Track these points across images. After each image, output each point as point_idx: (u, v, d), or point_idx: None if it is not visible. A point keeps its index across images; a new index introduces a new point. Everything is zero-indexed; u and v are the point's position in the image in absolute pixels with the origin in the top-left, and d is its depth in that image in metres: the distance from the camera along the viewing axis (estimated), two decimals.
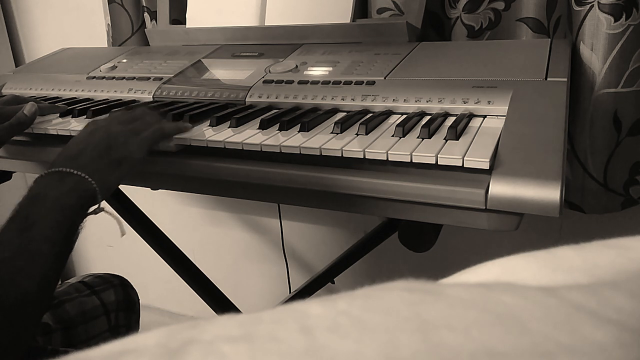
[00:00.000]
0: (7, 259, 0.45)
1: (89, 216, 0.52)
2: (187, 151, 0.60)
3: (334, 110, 0.66)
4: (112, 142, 0.54)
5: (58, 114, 0.73)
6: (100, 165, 0.52)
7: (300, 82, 0.72)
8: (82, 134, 0.56)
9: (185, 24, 0.98)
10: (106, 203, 0.55)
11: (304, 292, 1.06)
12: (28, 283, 0.45)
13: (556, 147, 0.47)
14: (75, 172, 0.50)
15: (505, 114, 0.56)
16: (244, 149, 0.56)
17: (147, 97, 0.79)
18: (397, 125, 0.55)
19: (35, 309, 0.46)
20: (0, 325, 0.43)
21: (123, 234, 0.60)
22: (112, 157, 0.53)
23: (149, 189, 1.03)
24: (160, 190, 1.13)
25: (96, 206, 0.52)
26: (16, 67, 1.39)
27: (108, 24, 1.12)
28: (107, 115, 0.61)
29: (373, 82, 0.68)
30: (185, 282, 1.04)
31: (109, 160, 0.53)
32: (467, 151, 0.48)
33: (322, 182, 0.52)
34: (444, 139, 0.52)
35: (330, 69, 0.74)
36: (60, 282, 0.81)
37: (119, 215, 0.56)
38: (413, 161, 0.49)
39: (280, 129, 0.59)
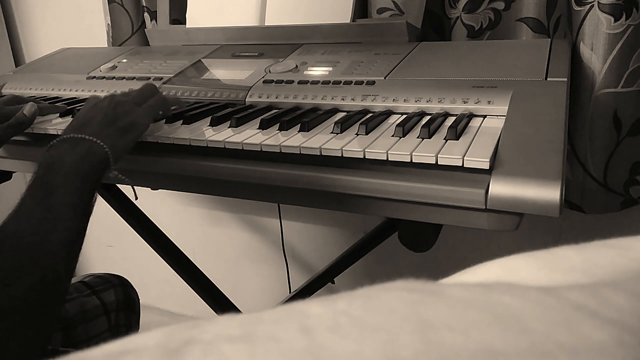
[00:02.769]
0: (34, 226, 0.46)
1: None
2: (187, 151, 0.60)
3: (334, 110, 0.66)
4: (118, 110, 0.56)
5: (58, 114, 0.73)
6: (109, 131, 0.54)
7: (300, 82, 0.72)
8: (86, 106, 0.58)
9: (185, 24, 0.98)
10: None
11: (304, 292, 1.06)
12: (56, 246, 0.46)
13: (556, 147, 0.47)
14: (86, 137, 0.52)
15: (505, 114, 0.56)
16: (244, 149, 0.56)
17: None
18: (397, 125, 0.55)
19: (64, 273, 0.47)
20: (33, 287, 0.44)
21: (136, 198, 0.61)
22: (119, 124, 0.55)
23: (149, 189, 1.03)
24: (160, 190, 1.13)
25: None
26: (16, 67, 1.39)
27: (108, 24, 1.12)
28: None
29: (373, 82, 0.68)
30: (185, 282, 1.04)
31: (116, 127, 0.55)
32: (467, 151, 0.48)
33: (322, 182, 0.52)
34: (444, 139, 0.52)
35: (330, 69, 0.74)
36: None
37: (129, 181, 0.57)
38: (413, 161, 0.49)
39: (280, 129, 0.59)
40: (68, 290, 0.49)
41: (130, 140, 0.56)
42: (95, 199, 0.52)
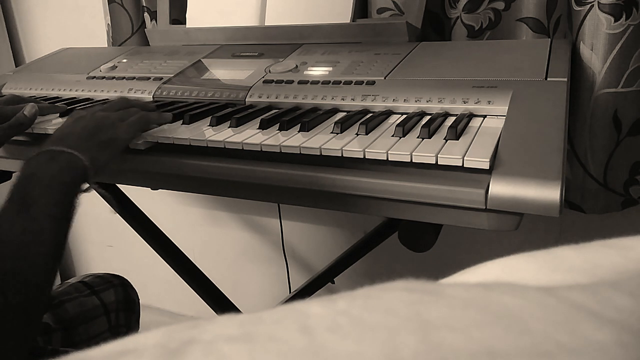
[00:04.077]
0: (14, 238, 0.46)
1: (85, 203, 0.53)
2: (187, 151, 0.60)
3: (334, 110, 0.66)
4: (100, 125, 0.57)
5: (58, 114, 0.73)
6: (88, 145, 0.54)
7: (300, 82, 0.72)
8: (68, 121, 0.58)
9: (185, 24, 0.98)
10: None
11: (304, 292, 1.06)
12: (37, 257, 0.46)
13: (556, 147, 0.47)
14: (65, 150, 0.52)
15: (505, 114, 0.56)
16: (244, 149, 0.56)
17: (147, 97, 0.79)
18: (397, 125, 0.55)
19: (46, 282, 0.48)
20: (15, 299, 0.44)
21: (114, 212, 0.61)
22: (100, 138, 0.55)
23: (149, 189, 1.03)
24: (160, 190, 1.13)
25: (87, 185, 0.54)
26: (16, 67, 1.39)
27: (108, 24, 1.12)
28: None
29: (373, 82, 0.68)
30: (185, 282, 1.04)
31: (97, 141, 0.55)
32: (467, 151, 0.48)
33: (322, 182, 0.52)
34: (444, 139, 0.52)
35: (330, 69, 0.74)
36: (60, 282, 0.82)
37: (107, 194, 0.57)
38: (413, 161, 0.49)
39: (280, 129, 0.59)
40: (50, 298, 0.49)
41: (110, 155, 0.56)
42: (76, 210, 0.52)
